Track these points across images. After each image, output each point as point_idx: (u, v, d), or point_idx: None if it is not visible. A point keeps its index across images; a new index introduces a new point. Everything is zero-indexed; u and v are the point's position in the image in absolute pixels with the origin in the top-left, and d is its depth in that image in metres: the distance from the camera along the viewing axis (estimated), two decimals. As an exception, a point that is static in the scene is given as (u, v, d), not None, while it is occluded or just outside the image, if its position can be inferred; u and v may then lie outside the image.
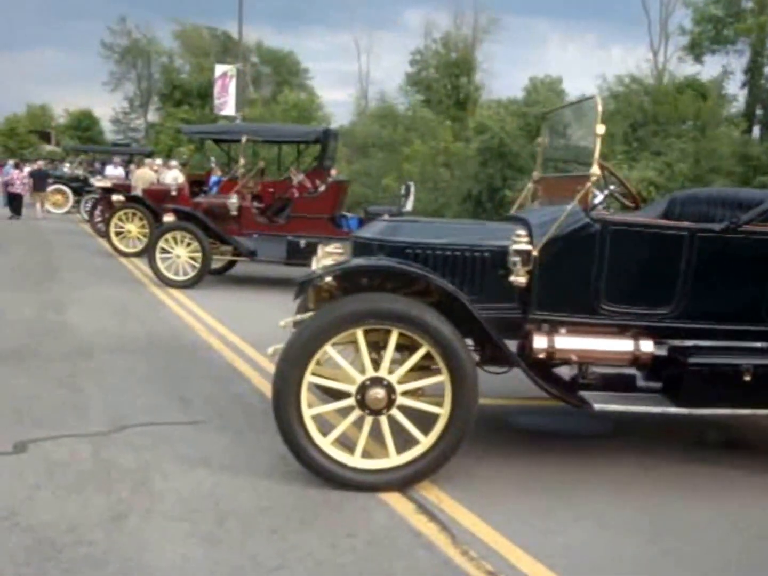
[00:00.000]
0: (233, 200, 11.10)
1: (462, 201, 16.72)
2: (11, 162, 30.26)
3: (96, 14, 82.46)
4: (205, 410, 5.60)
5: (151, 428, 5.17)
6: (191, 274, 11.01)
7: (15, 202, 23.99)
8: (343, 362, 4.32)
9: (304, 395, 4.23)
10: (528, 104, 58.83)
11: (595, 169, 4.47)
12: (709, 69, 20.37)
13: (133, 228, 14.70)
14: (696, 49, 20.56)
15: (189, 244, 11.00)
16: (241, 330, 8.30)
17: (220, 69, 32.45)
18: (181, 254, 11.00)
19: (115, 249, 14.70)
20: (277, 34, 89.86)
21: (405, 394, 4.33)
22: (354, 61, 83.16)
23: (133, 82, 63.49)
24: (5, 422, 5.12)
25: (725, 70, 19.41)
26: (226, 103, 31.90)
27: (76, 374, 6.36)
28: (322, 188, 12.44)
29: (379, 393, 4.23)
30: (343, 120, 37.51)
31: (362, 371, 4.30)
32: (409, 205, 11.30)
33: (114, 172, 24.81)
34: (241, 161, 11.09)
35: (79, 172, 27.14)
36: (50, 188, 26.02)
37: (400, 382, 4.30)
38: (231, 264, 12.45)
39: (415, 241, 4.74)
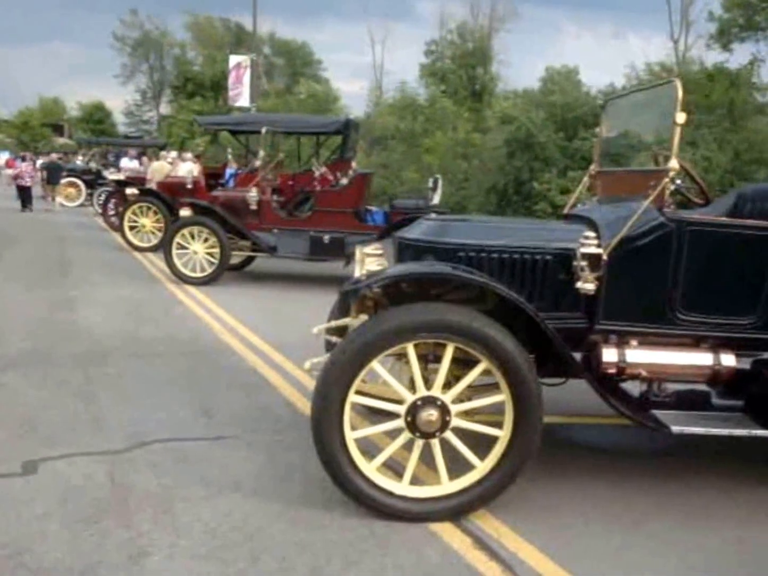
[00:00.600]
0: (253, 194, 10.64)
1: (486, 193, 16.20)
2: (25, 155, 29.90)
3: (108, 7, 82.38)
4: (230, 424, 5.14)
5: (172, 445, 4.73)
6: (209, 270, 10.56)
7: (24, 195, 23.67)
8: (392, 380, 3.85)
9: (347, 417, 3.77)
10: (545, 94, 58.25)
11: (674, 163, 3.97)
12: (737, 57, 19.67)
13: (147, 222, 14.27)
14: (724, 37, 19.88)
15: (206, 240, 10.55)
16: (264, 331, 7.85)
17: (234, 60, 31.98)
18: (198, 250, 10.55)
19: (129, 244, 14.29)
20: (289, 26, 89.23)
21: (460, 415, 3.87)
22: (364, 54, 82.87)
23: (146, 74, 63.22)
24: (14, 437, 4.70)
25: (755, 57, 18.72)
26: (240, 94, 31.47)
27: (89, 382, 5.92)
28: (344, 181, 11.98)
29: (432, 414, 3.77)
30: (357, 112, 36.84)
31: (412, 389, 3.83)
32: (436, 199, 10.80)
33: (129, 164, 24.41)
34: (261, 153, 10.61)
35: (93, 164, 26.73)
36: (63, 181, 25.65)
37: (454, 402, 3.84)
38: (249, 259, 11.99)
39: (468, 242, 4.26)
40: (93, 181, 25.28)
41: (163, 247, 10.63)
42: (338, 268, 11.54)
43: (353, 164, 13.80)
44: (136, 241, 14.29)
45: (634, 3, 70.29)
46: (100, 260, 12.82)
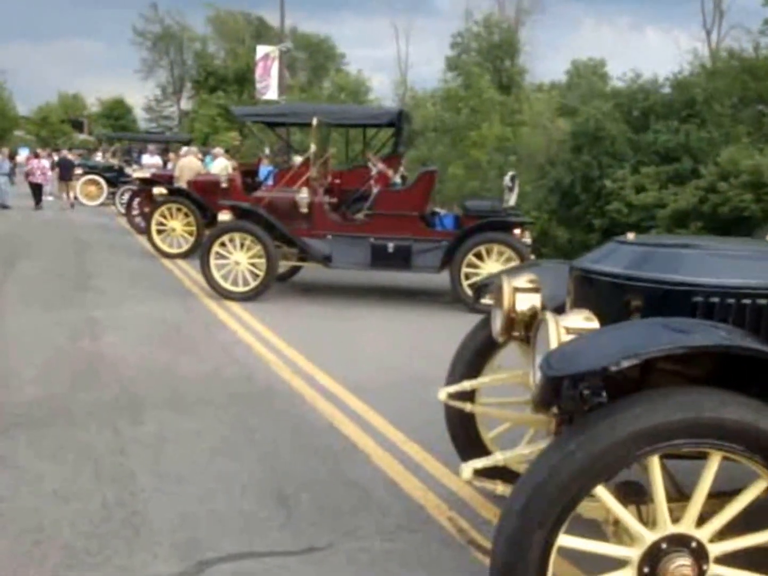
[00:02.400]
0: (304, 195, 9.15)
1: (548, 192, 14.65)
2: (40, 151, 28.68)
3: (127, 2, 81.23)
4: (318, 523, 3.68)
5: (246, 566, 3.27)
6: (252, 284, 9.10)
7: (35, 192, 22.77)
8: (620, 510, 2.36)
9: (551, 569, 2.31)
10: (569, 88, 56.53)
11: None
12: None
13: (177, 225, 12.85)
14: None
15: (250, 248, 9.09)
16: (330, 365, 6.37)
17: (261, 50, 30.50)
18: (240, 260, 9.08)
19: (157, 249, 12.86)
20: (308, 21, 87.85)
21: (721, 561, 2.39)
22: (385, 48, 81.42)
23: (166, 69, 62.23)
24: (16, 556, 3.25)
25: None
26: (268, 87, 29.99)
27: (121, 451, 4.47)
28: (397, 178, 10.52)
29: (684, 565, 2.28)
30: (388, 105, 35.23)
31: (650, 523, 2.35)
32: (513, 200, 9.29)
33: (150, 160, 23.07)
34: (313, 147, 9.12)
35: (114, 161, 25.41)
36: (83, 179, 24.38)
37: (713, 541, 2.35)
38: (294, 269, 10.52)
39: (710, 282, 2.74)
40: (115, 178, 23.98)
41: (200, 257, 9.16)
42: (400, 277, 10.09)
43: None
44: (164, 247, 12.87)
45: None
46: (126, 270, 11.39)
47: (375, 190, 9.67)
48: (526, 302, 3.38)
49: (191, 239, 12.82)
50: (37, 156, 24.59)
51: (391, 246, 8.93)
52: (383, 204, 9.16)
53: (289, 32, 57.60)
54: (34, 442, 4.56)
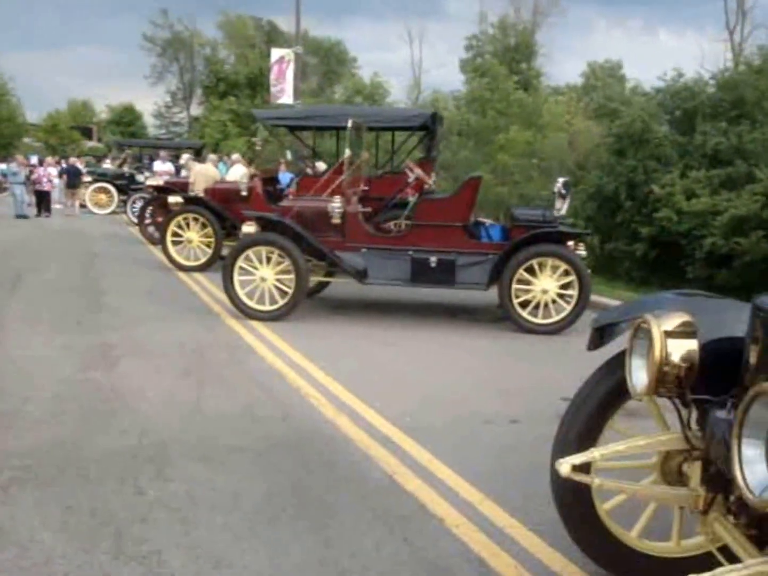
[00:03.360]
0: (336, 204, 8.34)
1: (588, 198, 13.77)
2: (50, 159, 28.03)
3: (136, 9, 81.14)
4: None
5: None
6: (280, 302, 8.30)
7: (41, 200, 22.43)
8: None
9: None
10: (586, 90, 55.73)
11: None
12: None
13: (194, 236, 12.08)
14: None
15: (278, 263, 8.29)
16: (380, 401, 5.57)
17: (276, 53, 29.71)
18: (267, 276, 8.29)
19: (172, 262, 12.08)
20: (320, 26, 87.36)
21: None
22: (396, 52, 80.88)
23: (176, 75, 61.79)
24: None
25: None
26: (283, 91, 29.18)
27: (143, 517, 3.67)
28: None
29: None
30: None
31: None
32: (564, 208, 8.46)
33: (162, 167, 22.36)
34: (347, 152, 8.30)
35: (125, 168, 24.69)
36: (93, 186, 23.70)
37: None
38: (322, 284, 9.70)
39: None
40: (125, 186, 23.28)
41: (222, 273, 8.36)
42: (437, 293, 9.27)
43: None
44: (180, 259, 12.09)
45: None
46: (140, 285, 10.61)
47: (412, 198, 8.85)
48: (681, 350, 2.58)
49: (209, 251, 12.05)
50: (42, 163, 23.92)
51: (433, 260, 8.10)
52: (424, 213, 8.33)
53: (300, 37, 57.04)
54: (40, 505, 3.77)
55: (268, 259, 8.30)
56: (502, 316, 8.42)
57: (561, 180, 8.51)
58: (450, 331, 8.22)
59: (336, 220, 8.36)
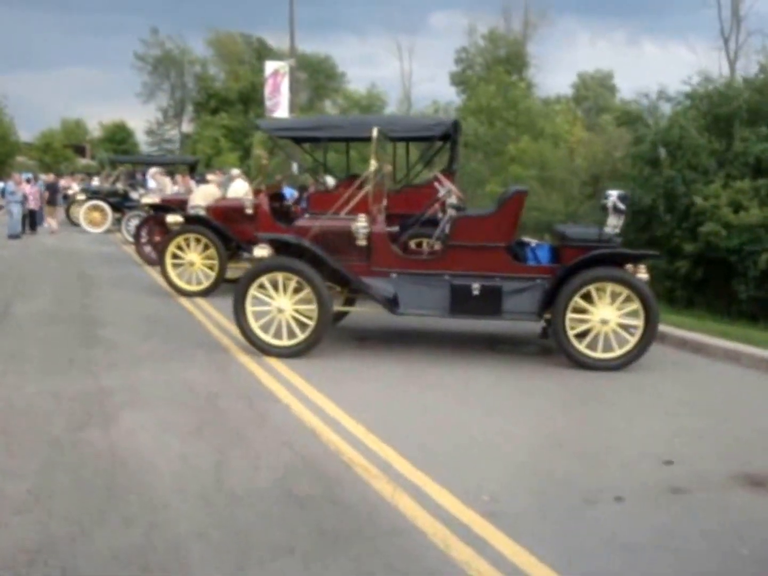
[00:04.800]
0: (362, 224, 7.33)
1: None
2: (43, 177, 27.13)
3: (127, 29, 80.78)
4: None
5: None
6: (300, 335, 7.27)
7: (31, 218, 21.84)
8: None
9: None
10: (577, 101, 55.00)
11: None
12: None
13: (195, 258, 11.05)
14: None
15: (296, 291, 7.28)
16: (439, 468, 4.55)
17: (270, 66, 28.91)
18: (284, 307, 7.27)
19: (173, 286, 11.05)
20: (307, 41, 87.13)
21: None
22: (383, 68, 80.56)
23: (167, 92, 61.25)
24: None
25: None
26: (279, 104, 28.37)
27: None
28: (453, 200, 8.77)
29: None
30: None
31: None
32: (620, 225, 7.46)
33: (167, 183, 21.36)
34: (373, 164, 7.31)
35: (118, 185, 23.69)
36: (87, 205, 22.75)
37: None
38: (342, 313, 8.67)
39: None
40: (119, 204, 22.28)
41: (234, 303, 7.33)
42: (473, 321, 8.28)
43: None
44: (181, 284, 11.05)
45: (645, 7, 67.76)
46: (139, 313, 9.56)
47: (446, 215, 7.85)
48: None
49: (212, 274, 11.02)
50: (29, 181, 23.00)
51: (476, 287, 7.08)
52: (462, 233, 7.32)
53: (290, 52, 56.47)
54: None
55: (286, 287, 7.28)
56: (556, 349, 7.42)
57: (615, 193, 7.51)
58: (496, 367, 7.20)
59: (361, 242, 7.35)
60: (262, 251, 7.39)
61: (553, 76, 76.06)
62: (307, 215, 8.02)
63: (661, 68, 60.68)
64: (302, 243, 7.26)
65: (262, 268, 7.28)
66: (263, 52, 52.66)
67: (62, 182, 34.58)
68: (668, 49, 62.89)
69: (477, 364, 7.33)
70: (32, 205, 21.87)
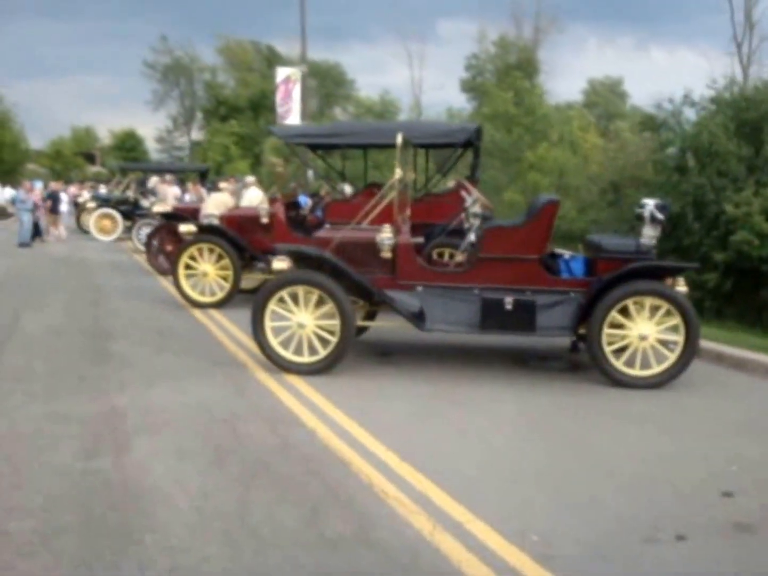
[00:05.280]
0: (387, 235, 6.98)
1: (638, 218, 12.36)
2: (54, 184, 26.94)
3: (137, 37, 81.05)
4: None
5: None
6: (322, 352, 6.91)
7: (36, 227, 21.45)
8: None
9: None
10: (587, 107, 54.59)
11: None
12: None
13: (209, 269, 10.71)
14: None
15: (318, 306, 6.93)
16: (485, 505, 4.16)
17: (282, 72, 28.63)
18: (305, 322, 6.91)
19: (186, 297, 10.71)
20: (316, 49, 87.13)
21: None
22: (391, 75, 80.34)
23: (176, 99, 61.26)
24: None
25: None
26: (290, 111, 28.10)
27: None
28: (476, 209, 8.44)
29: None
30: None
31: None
32: (656, 236, 7.08)
33: (168, 191, 21.08)
34: (398, 172, 6.96)
35: (129, 193, 23.46)
36: (97, 213, 22.54)
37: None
38: (362, 327, 8.30)
39: None
40: (130, 212, 22.02)
41: (252, 317, 6.97)
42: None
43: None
44: (194, 295, 10.72)
45: (652, 14, 67.32)
46: (151, 326, 9.23)
47: (470, 224, 7.49)
48: None
49: (226, 285, 10.68)
50: (31, 189, 22.81)
51: (509, 301, 6.71)
52: (492, 244, 6.95)
53: (299, 60, 56.34)
54: None
55: (307, 301, 6.93)
56: (589, 364, 7.04)
57: (652, 202, 7.13)
58: (526, 384, 6.83)
59: (386, 254, 7.00)
60: (281, 263, 7.03)
61: (564, 82, 75.77)
62: (327, 225, 7.66)
63: (671, 73, 60.23)
64: (324, 255, 6.91)
65: (283, 281, 6.93)
66: (273, 60, 52.60)
67: (72, 190, 34.49)
68: (677, 55, 62.36)
69: (506, 380, 6.96)
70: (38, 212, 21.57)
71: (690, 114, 13.80)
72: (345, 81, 59.70)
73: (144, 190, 23.62)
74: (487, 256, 6.92)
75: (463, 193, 7.82)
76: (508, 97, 19.79)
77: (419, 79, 64.16)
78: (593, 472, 4.73)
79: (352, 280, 6.90)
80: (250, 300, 11.09)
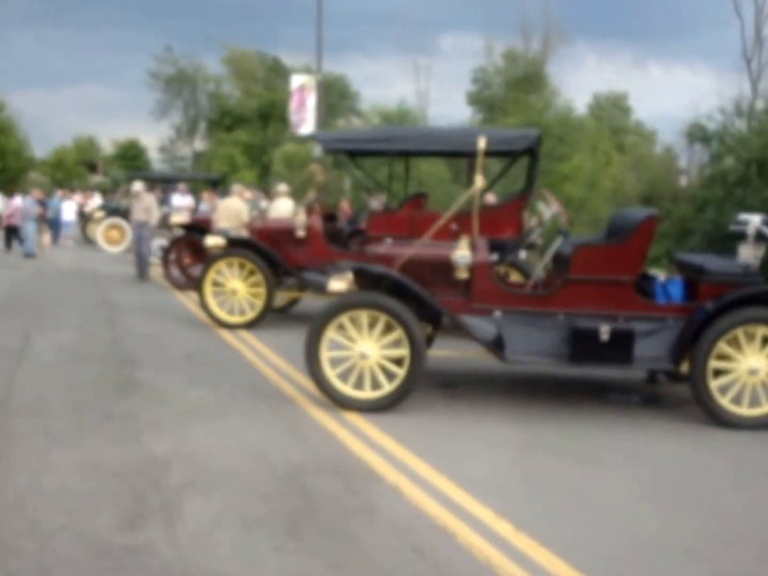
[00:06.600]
0: (464, 253, 6.09)
1: (705, 243, 11.56)
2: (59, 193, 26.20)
3: (141, 47, 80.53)
4: None
5: None
6: (387, 387, 6.01)
7: (15, 234, 20.73)
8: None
9: None
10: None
11: None
12: None
13: (240, 286, 9.82)
14: None
15: (384, 334, 6.03)
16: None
17: (296, 81, 27.88)
18: (369, 352, 6.01)
19: (213, 317, 9.81)
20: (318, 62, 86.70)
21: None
22: (394, 88, 79.41)
23: (180, 109, 60.55)
24: None
25: None
26: (304, 120, 27.30)
27: None
28: (533, 222, 7.64)
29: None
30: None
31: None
32: (759, 255, 6.21)
33: (182, 201, 20.31)
34: (479, 180, 6.09)
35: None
36: (105, 223, 21.75)
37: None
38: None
39: None
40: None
41: (306, 347, 6.06)
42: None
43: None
44: (222, 315, 9.81)
45: (650, 30, 66.53)
46: (179, 351, 8.33)
47: (563, 243, 6.58)
48: None
49: (258, 304, 9.78)
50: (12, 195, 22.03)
51: (604, 330, 5.82)
52: (582, 265, 6.07)
53: (304, 71, 55.76)
54: None
55: (371, 327, 6.03)
56: (669, 396, 6.16)
57: (757, 218, 6.26)
58: (614, 423, 5.97)
59: (462, 274, 6.11)
60: (339, 284, 6.13)
61: (569, 96, 75.08)
62: (389, 240, 6.78)
63: (674, 89, 59.36)
64: (391, 274, 6.02)
65: (346, 304, 6.02)
66: (279, 71, 52.00)
67: (77, 198, 33.63)
68: (684, 71, 61.59)
69: (589, 418, 6.09)
70: (15, 220, 20.55)
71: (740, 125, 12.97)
72: (349, 93, 59.07)
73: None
74: (577, 278, 6.03)
75: (542, 205, 6.93)
76: (541, 106, 18.92)
77: (426, 92, 63.51)
78: (726, 540, 3.84)
79: (424, 303, 6.01)
80: (281, 319, 10.36)
